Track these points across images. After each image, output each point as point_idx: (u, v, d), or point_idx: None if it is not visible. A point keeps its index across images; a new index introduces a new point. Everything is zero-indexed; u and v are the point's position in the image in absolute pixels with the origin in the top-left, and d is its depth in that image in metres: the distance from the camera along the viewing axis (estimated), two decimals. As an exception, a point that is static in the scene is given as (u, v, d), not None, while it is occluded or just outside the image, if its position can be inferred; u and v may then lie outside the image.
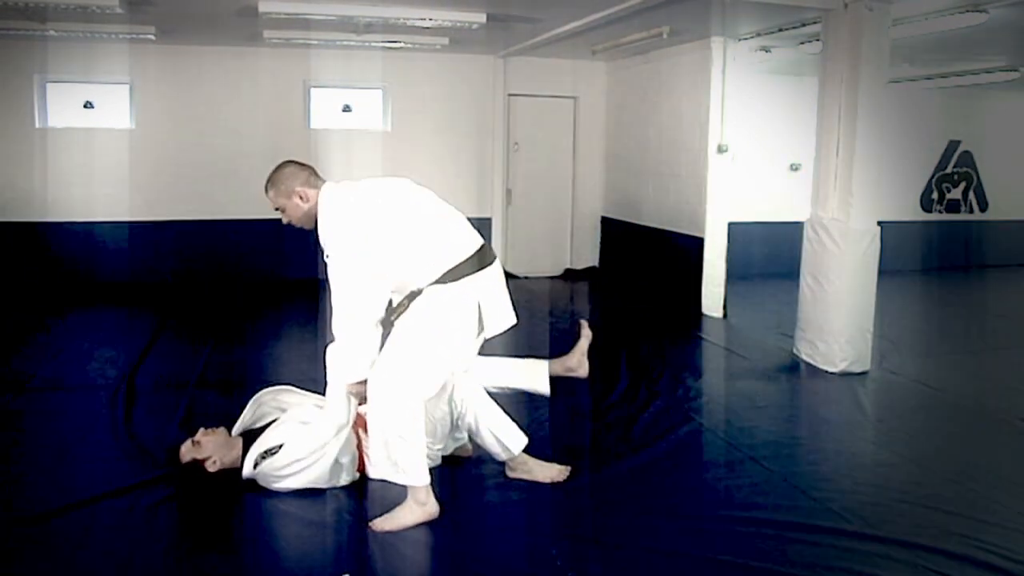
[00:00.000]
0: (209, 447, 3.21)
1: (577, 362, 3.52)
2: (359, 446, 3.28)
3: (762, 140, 8.63)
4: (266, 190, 3.08)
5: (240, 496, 3.16)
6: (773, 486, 3.42)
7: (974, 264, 10.19)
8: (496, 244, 8.45)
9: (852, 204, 5.07)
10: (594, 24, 6.08)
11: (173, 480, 3.26)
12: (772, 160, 8.88)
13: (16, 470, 3.43)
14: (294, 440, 3.15)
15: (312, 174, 3.06)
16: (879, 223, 5.18)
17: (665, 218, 7.70)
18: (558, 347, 5.85)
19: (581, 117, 8.98)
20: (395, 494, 3.04)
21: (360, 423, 3.25)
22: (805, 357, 5.41)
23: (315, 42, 7.08)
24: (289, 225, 3.12)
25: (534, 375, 3.47)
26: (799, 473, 3.55)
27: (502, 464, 3.41)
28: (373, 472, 3.20)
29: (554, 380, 3.50)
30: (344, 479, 3.26)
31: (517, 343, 5.39)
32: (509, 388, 3.45)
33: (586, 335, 3.55)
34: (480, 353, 3.25)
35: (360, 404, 3.11)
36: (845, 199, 5.10)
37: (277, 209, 3.08)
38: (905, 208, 9.74)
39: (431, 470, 3.05)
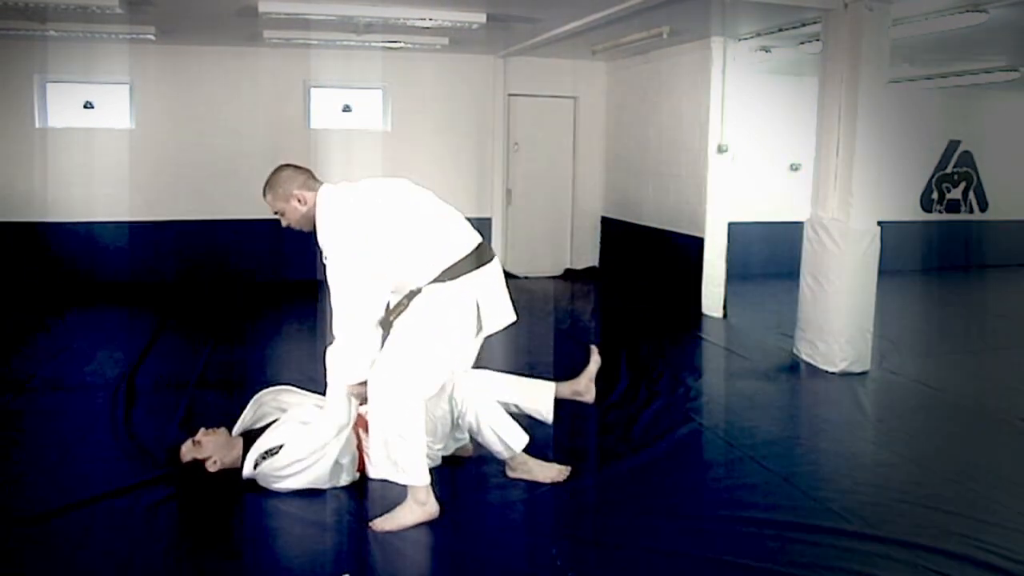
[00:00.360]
0: (210, 447, 3.21)
1: (585, 386, 3.54)
2: (359, 446, 3.29)
3: (762, 140, 8.63)
4: (264, 194, 3.08)
5: (240, 496, 3.16)
6: (773, 486, 3.42)
7: (974, 264, 10.19)
8: (496, 244, 8.46)
9: (852, 204, 5.07)
10: (594, 24, 6.08)
11: (173, 480, 3.26)
12: (772, 160, 8.88)
13: (16, 470, 3.43)
14: (294, 440, 3.15)
15: (309, 177, 3.06)
16: (879, 223, 5.18)
17: (665, 218, 7.70)
18: (558, 348, 5.89)
19: (581, 117, 8.98)
20: (395, 494, 3.04)
21: (361, 423, 3.25)
22: (805, 357, 5.41)
23: (315, 42, 7.08)
24: (288, 228, 3.12)
25: (539, 398, 3.47)
26: (799, 473, 3.55)
27: (502, 464, 3.42)
28: (373, 472, 3.20)
29: (558, 400, 3.52)
30: (344, 479, 3.26)
31: (518, 344, 5.41)
32: (512, 406, 3.44)
33: (595, 360, 3.57)
34: (490, 367, 3.24)
35: (361, 404, 3.11)
36: (845, 199, 5.10)
37: (276, 213, 3.09)
38: (905, 208, 9.74)
39: (431, 470, 3.05)
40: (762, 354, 5.68)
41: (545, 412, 3.46)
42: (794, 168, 8.86)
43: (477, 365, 3.32)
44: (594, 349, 3.61)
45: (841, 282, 5.14)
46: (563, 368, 5.13)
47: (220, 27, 6.74)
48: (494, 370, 3.55)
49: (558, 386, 3.51)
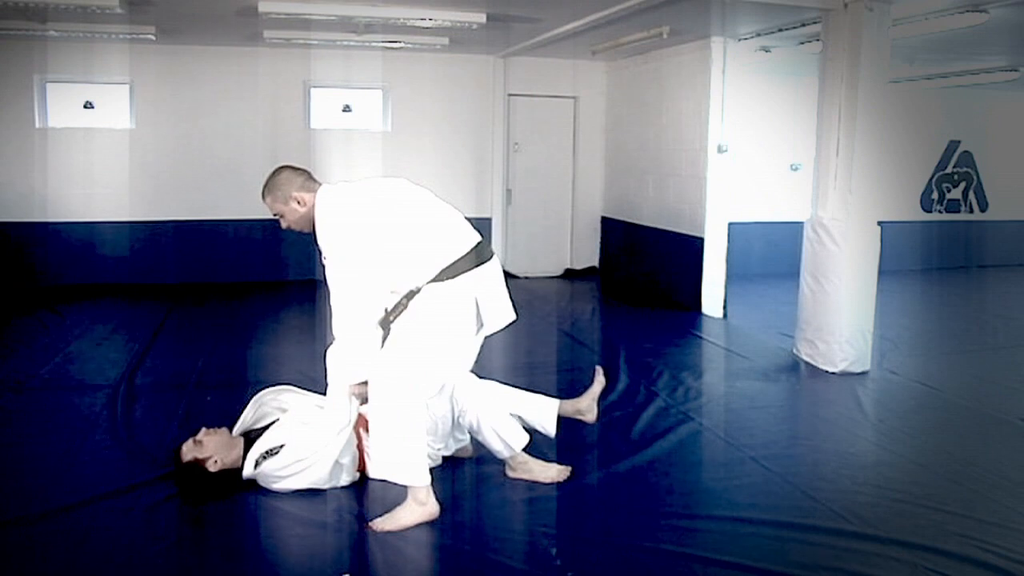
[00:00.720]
0: (211, 446, 3.21)
1: (587, 406, 3.61)
2: (359, 445, 3.29)
3: (762, 140, 8.64)
4: (263, 196, 3.09)
5: (240, 496, 3.16)
6: (773, 486, 3.42)
7: (974, 264, 10.19)
8: (496, 244, 8.47)
9: (852, 204, 5.07)
10: (594, 24, 6.08)
11: (173, 480, 3.26)
12: (772, 160, 8.89)
13: (16, 470, 3.44)
14: (295, 440, 3.16)
15: (308, 178, 3.07)
16: (879, 223, 5.18)
17: (665, 218, 7.70)
18: (558, 348, 5.89)
19: (581, 117, 8.98)
20: (395, 494, 3.04)
21: (362, 422, 3.25)
22: (805, 357, 5.41)
23: (315, 42, 7.09)
24: (288, 229, 3.12)
25: (543, 412, 3.51)
26: (799, 473, 3.55)
27: (502, 464, 3.42)
28: (373, 472, 3.20)
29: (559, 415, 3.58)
30: (344, 479, 3.26)
31: (518, 344, 5.41)
32: (516, 418, 3.45)
33: (599, 381, 3.65)
34: (491, 368, 3.24)
35: (362, 404, 3.11)
36: (845, 199, 5.10)
37: (275, 214, 3.09)
38: (905, 208, 9.74)
39: (431, 470, 3.05)
40: (762, 354, 5.68)
41: (548, 426, 3.51)
42: (794, 168, 8.86)
43: (479, 370, 3.33)
44: (599, 370, 3.70)
45: (841, 282, 5.14)
46: (563, 368, 5.16)
47: (220, 27, 6.74)
48: (498, 381, 3.57)
49: (561, 403, 3.57)
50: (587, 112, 8.98)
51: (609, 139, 8.97)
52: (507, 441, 3.32)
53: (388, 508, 3.01)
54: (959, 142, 10.11)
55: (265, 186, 3.08)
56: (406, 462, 2.93)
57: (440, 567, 2.85)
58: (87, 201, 7.60)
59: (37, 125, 7.49)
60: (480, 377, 3.45)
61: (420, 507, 2.97)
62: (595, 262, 9.20)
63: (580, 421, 3.62)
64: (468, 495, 3.28)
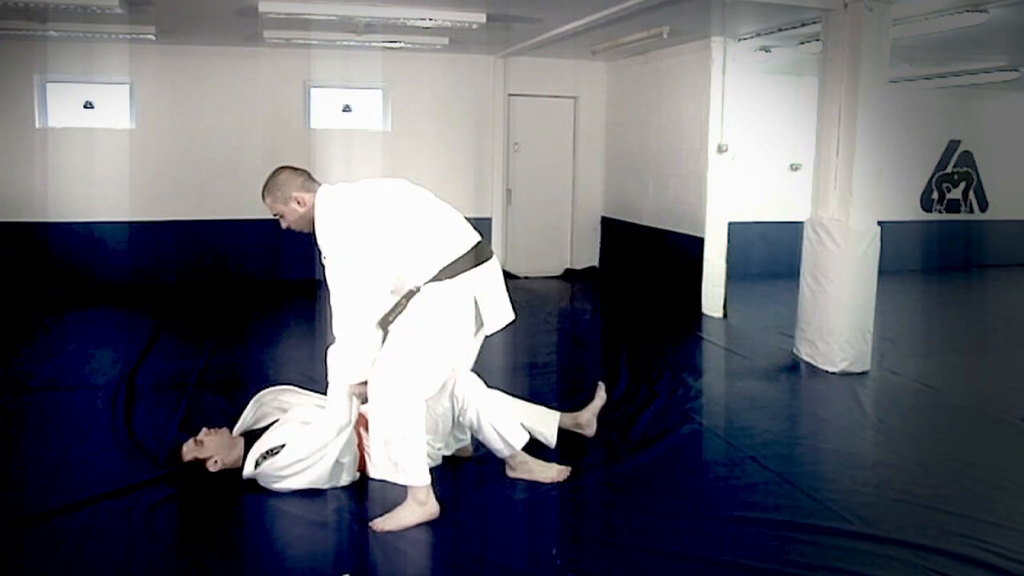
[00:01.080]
0: (212, 446, 3.21)
1: (587, 420, 3.72)
2: (360, 445, 3.29)
3: (762, 140, 8.64)
4: (263, 197, 3.09)
5: (240, 496, 3.16)
6: (773, 486, 3.42)
7: (974, 264, 10.19)
8: (496, 244, 8.46)
9: (852, 204, 5.07)
10: (594, 24, 6.08)
11: (173, 480, 3.26)
12: (772, 160, 8.88)
13: (16, 470, 3.44)
14: (295, 440, 3.16)
15: (307, 178, 3.07)
16: (879, 223, 5.19)
17: (665, 218, 7.70)
18: (558, 349, 5.89)
19: (581, 117, 8.98)
20: (395, 494, 3.04)
21: (362, 422, 3.25)
22: (805, 357, 5.41)
23: (315, 42, 7.08)
24: (288, 229, 3.13)
25: (544, 422, 3.59)
26: (799, 473, 3.55)
27: (502, 464, 3.42)
28: (373, 472, 3.20)
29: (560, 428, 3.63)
30: (345, 479, 3.26)
31: (518, 344, 5.41)
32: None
33: (600, 396, 3.76)
34: (491, 368, 3.25)
35: (362, 404, 3.12)
36: (845, 199, 5.10)
37: (275, 215, 3.10)
38: (905, 208, 9.74)
39: (432, 470, 3.06)
40: (762, 354, 5.68)
41: (549, 436, 3.57)
42: (794, 168, 8.86)
43: (479, 370, 3.33)
44: (600, 386, 3.79)
45: (841, 282, 5.14)
46: (563, 369, 5.16)
47: (220, 27, 6.74)
48: (498, 381, 3.59)
49: (562, 416, 3.64)
50: (587, 112, 8.97)
51: (609, 139, 8.96)
52: (507, 439, 3.32)
53: (388, 508, 3.01)
54: (959, 142, 10.11)
55: (265, 186, 3.08)
56: (406, 462, 2.93)
57: (440, 567, 2.85)
58: (87, 201, 7.59)
59: (37, 125, 7.48)
60: (480, 377, 3.44)
61: (420, 507, 2.97)
62: (595, 262, 9.20)
63: (580, 434, 3.68)
64: (468, 495, 3.28)
